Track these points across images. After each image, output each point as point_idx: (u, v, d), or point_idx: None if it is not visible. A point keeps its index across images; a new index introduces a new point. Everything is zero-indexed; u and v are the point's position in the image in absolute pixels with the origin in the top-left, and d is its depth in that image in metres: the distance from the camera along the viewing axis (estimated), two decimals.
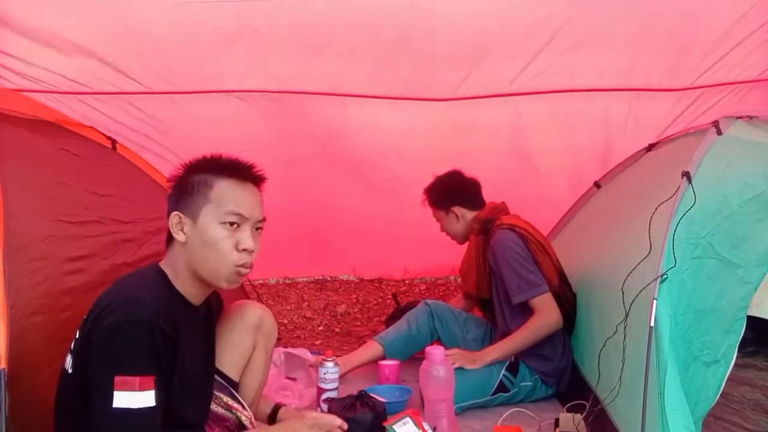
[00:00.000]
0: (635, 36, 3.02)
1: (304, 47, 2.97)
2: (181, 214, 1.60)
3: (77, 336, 1.56)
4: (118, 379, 1.40)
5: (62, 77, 2.94)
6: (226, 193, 1.61)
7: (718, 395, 1.71)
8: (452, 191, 2.84)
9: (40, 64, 2.87)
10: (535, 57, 3.07)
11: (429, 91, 3.28)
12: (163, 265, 1.64)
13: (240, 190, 1.63)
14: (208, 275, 1.61)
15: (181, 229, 1.60)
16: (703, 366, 1.73)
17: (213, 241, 1.58)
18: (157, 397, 1.44)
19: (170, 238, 1.64)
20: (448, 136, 3.48)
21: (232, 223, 1.60)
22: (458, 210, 2.81)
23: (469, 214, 2.81)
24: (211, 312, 1.80)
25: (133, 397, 1.40)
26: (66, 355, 1.59)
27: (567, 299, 2.63)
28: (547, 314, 2.53)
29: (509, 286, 2.57)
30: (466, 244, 2.89)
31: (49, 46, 2.82)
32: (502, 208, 2.80)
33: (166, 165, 2.81)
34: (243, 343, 1.88)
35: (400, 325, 2.89)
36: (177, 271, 1.62)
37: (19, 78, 2.88)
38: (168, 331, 1.49)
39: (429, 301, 2.96)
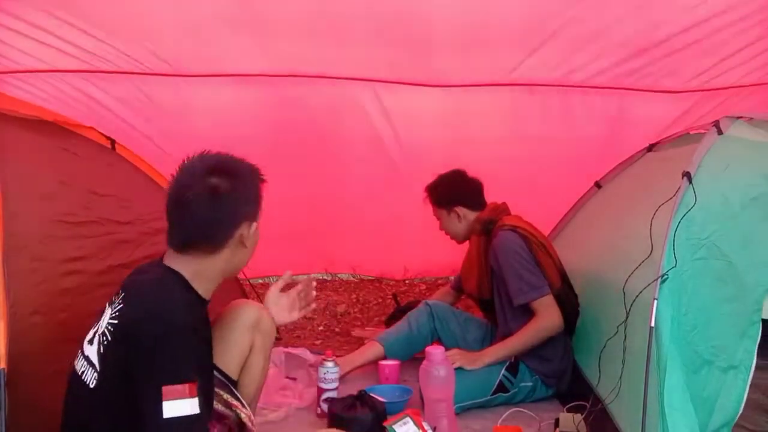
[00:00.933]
0: (636, 35, 3.01)
1: (303, 29, 2.95)
2: (251, 223, 1.68)
3: (101, 350, 1.52)
4: (166, 389, 1.39)
5: (62, 54, 2.89)
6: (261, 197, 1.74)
7: (743, 402, 1.68)
8: (455, 191, 2.83)
9: (41, 40, 2.82)
10: (536, 50, 3.06)
11: (429, 77, 3.26)
12: (179, 268, 1.61)
13: None
14: (237, 271, 1.78)
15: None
16: (720, 372, 1.70)
17: (256, 244, 1.74)
18: (201, 402, 1.43)
19: (209, 246, 1.62)
20: (447, 124, 3.47)
21: None
22: (460, 210, 2.80)
23: (471, 215, 2.80)
24: None
25: (184, 405, 1.40)
26: (80, 369, 1.55)
27: (569, 300, 2.62)
28: (548, 317, 2.52)
29: (510, 288, 2.57)
30: (466, 244, 2.89)
31: (47, 22, 2.76)
32: (503, 209, 2.79)
33: (164, 155, 2.82)
34: (241, 343, 1.88)
35: (401, 326, 2.89)
36: (207, 280, 1.64)
37: (19, 53, 2.84)
38: (203, 333, 1.54)
39: (429, 302, 2.96)
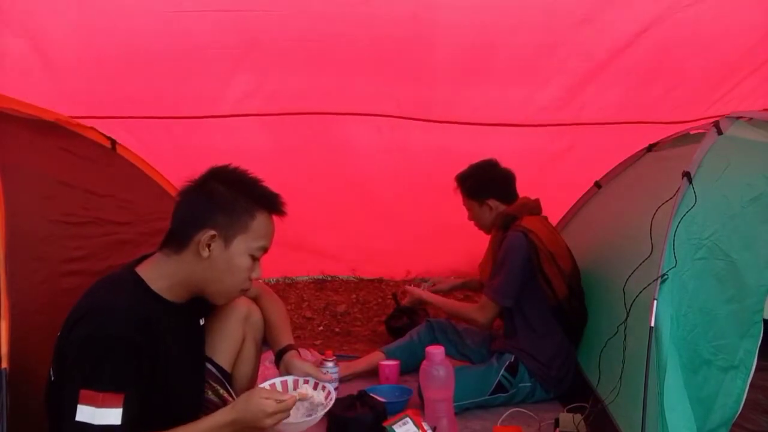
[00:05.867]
0: (644, 66, 2.98)
1: (305, 61, 2.93)
2: (216, 233, 1.60)
3: (56, 344, 1.56)
4: (83, 392, 1.41)
5: (51, 97, 2.76)
6: (263, 226, 1.65)
7: (742, 403, 1.69)
8: (489, 183, 2.78)
9: (27, 83, 2.77)
10: (543, 87, 3.04)
11: (431, 112, 3.26)
12: (142, 270, 1.62)
13: (271, 225, 1.69)
14: (212, 293, 1.66)
15: (208, 246, 1.59)
16: (719, 371, 1.71)
17: (237, 270, 1.63)
18: (126, 415, 1.42)
19: (175, 244, 1.61)
20: (447, 159, 3.43)
21: (257, 257, 1.65)
22: (492, 203, 2.76)
23: (502, 207, 2.76)
24: (197, 300, 1.75)
25: (95, 413, 1.40)
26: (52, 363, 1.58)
27: (575, 312, 2.61)
28: (480, 314, 2.66)
29: (491, 278, 2.63)
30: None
31: (35, 61, 2.72)
32: (531, 207, 2.74)
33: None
34: (233, 335, 1.93)
35: (403, 338, 2.94)
36: (168, 278, 1.61)
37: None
38: (140, 340, 1.49)
39: (431, 319, 2.99)
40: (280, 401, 1.56)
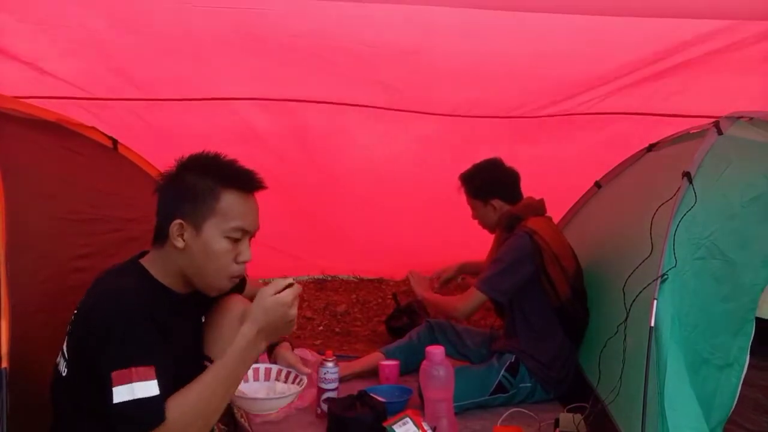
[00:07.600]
0: (643, 60, 2.99)
1: (303, 60, 2.93)
2: (183, 222, 1.58)
3: (67, 339, 1.56)
4: (114, 374, 1.40)
5: (56, 79, 2.84)
6: (233, 206, 1.60)
7: (736, 400, 1.70)
8: (494, 183, 2.77)
9: (36, 67, 2.77)
10: (539, 87, 3.04)
11: (427, 106, 3.25)
12: (145, 262, 1.63)
13: (245, 203, 1.63)
14: (200, 283, 1.63)
15: (181, 236, 1.58)
16: (716, 370, 1.72)
17: (215, 255, 1.59)
18: (162, 386, 1.42)
19: (159, 239, 1.63)
20: (448, 158, 3.43)
21: (235, 239, 1.61)
22: (497, 203, 2.75)
23: (506, 207, 2.75)
24: (198, 296, 1.75)
25: (133, 388, 1.39)
26: (58, 360, 1.58)
27: (576, 314, 2.61)
28: (460, 302, 2.68)
29: (486, 269, 2.64)
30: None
31: (41, 47, 2.72)
32: (536, 208, 2.74)
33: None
34: (230, 334, 1.87)
35: (403, 339, 2.94)
36: (164, 271, 1.62)
37: (16, 75, 2.80)
38: (152, 318, 1.50)
39: (431, 320, 2.99)
40: (289, 285, 1.55)
